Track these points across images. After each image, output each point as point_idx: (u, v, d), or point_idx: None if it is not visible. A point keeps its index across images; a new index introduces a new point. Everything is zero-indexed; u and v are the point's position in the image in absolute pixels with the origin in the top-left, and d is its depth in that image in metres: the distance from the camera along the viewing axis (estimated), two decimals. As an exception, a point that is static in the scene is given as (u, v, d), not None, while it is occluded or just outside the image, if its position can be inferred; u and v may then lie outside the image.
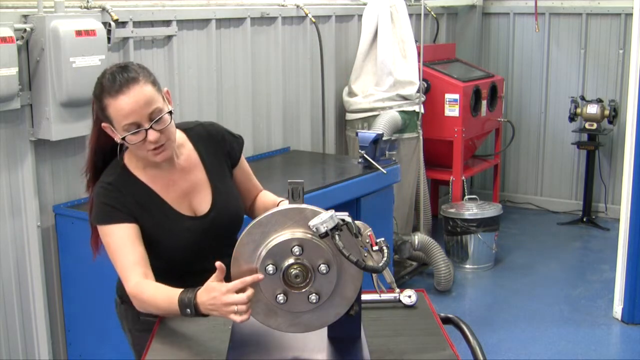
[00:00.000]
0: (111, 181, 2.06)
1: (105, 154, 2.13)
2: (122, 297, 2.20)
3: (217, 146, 2.22)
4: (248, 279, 1.73)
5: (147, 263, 2.00)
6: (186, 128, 2.22)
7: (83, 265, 3.27)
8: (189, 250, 2.10)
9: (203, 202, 2.15)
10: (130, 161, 2.11)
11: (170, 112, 2.02)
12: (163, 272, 2.01)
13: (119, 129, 1.98)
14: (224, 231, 2.17)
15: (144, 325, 2.14)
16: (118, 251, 2.00)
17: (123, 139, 1.98)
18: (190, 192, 2.14)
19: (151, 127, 1.97)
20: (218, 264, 1.79)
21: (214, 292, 1.77)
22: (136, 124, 1.96)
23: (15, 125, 3.20)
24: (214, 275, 1.80)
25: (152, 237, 2.06)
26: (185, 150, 2.18)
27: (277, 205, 2.17)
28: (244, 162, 2.32)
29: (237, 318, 1.73)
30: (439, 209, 5.88)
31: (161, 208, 2.09)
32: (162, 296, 1.90)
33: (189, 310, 1.82)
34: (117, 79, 1.97)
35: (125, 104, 1.95)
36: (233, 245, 1.87)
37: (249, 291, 1.73)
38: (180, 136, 2.17)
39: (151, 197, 2.08)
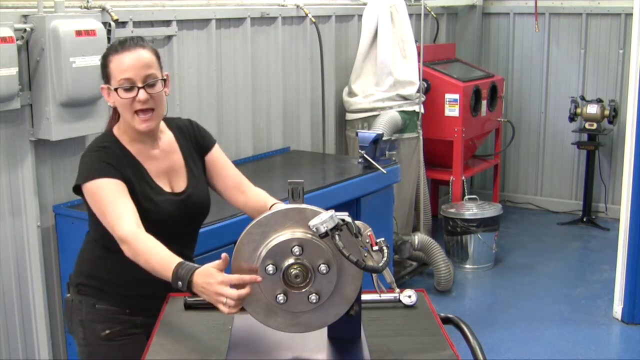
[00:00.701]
0: (106, 145, 2.20)
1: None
2: (79, 285, 2.29)
3: (190, 135, 2.37)
4: (246, 277, 1.74)
5: (139, 218, 2.06)
6: (166, 119, 2.37)
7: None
8: (166, 223, 2.19)
9: (180, 182, 2.29)
10: (119, 133, 2.24)
11: (164, 81, 2.19)
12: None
13: (114, 83, 2.13)
14: (196, 213, 2.32)
15: (99, 314, 2.25)
16: (112, 201, 2.07)
17: (116, 90, 2.12)
18: (170, 171, 2.28)
19: (143, 87, 2.12)
20: (224, 255, 1.82)
21: (210, 278, 1.79)
22: (130, 81, 2.12)
23: (15, 125, 3.20)
24: (216, 263, 1.81)
25: (135, 204, 2.12)
26: (166, 136, 2.33)
27: (270, 207, 2.24)
28: (219, 151, 2.42)
29: (225, 309, 1.77)
30: (439, 209, 5.88)
31: (146, 179, 2.21)
32: (158, 256, 1.95)
33: (180, 283, 1.84)
34: (126, 41, 2.17)
35: (125, 59, 2.13)
36: (193, 237, 2.22)
37: (244, 290, 1.74)
38: (161, 124, 2.32)
39: (138, 168, 2.20)
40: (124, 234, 2.01)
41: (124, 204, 2.07)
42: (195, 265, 1.87)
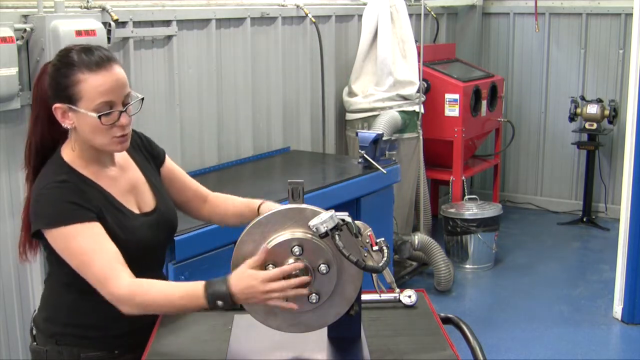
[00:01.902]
0: (65, 179, 1.88)
1: (45, 147, 1.98)
2: (56, 336, 2.00)
3: (140, 146, 2.14)
4: (287, 268, 1.71)
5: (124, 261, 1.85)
6: None
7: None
8: (143, 247, 1.98)
9: (147, 200, 2.06)
10: (71, 158, 1.95)
11: (142, 99, 1.94)
12: None
13: (88, 107, 1.84)
14: (168, 229, 2.10)
15: None
16: (95, 251, 1.81)
17: (99, 117, 1.84)
18: (132, 189, 2.04)
19: (124, 111, 1.88)
20: (263, 247, 1.74)
21: (251, 280, 1.71)
22: (110, 104, 1.85)
23: (15, 125, 3.20)
24: (250, 261, 1.73)
25: (111, 236, 1.88)
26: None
27: (258, 207, 2.10)
28: (171, 161, 2.22)
29: (285, 305, 1.72)
30: (439, 209, 5.88)
31: (115, 205, 1.95)
32: (177, 292, 1.79)
33: (220, 302, 1.72)
34: (95, 54, 1.86)
35: (106, 81, 1.84)
36: (166, 250, 1.99)
37: (294, 280, 1.71)
38: None
39: (104, 195, 1.94)
40: (124, 291, 1.79)
41: (110, 252, 1.82)
42: (219, 278, 1.75)
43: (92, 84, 1.84)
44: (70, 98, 1.85)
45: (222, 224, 2.30)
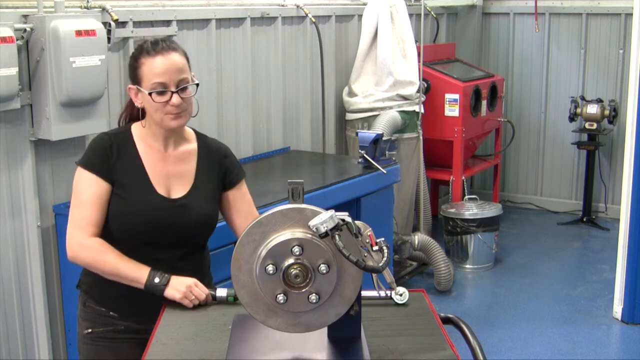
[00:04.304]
0: (110, 132, 2.27)
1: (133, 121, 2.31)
2: (80, 281, 2.34)
3: (217, 161, 2.33)
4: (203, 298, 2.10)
5: (100, 228, 2.17)
6: (201, 134, 2.38)
7: (83, 265, 3.26)
8: (148, 225, 2.18)
9: (180, 189, 2.25)
10: (137, 132, 2.25)
11: (196, 85, 2.19)
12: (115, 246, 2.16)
13: (147, 86, 2.13)
14: (188, 225, 2.24)
15: (87, 312, 2.29)
16: (86, 202, 2.15)
17: (150, 94, 2.12)
18: (173, 177, 2.25)
19: (177, 92, 2.12)
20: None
21: (187, 281, 2.10)
22: (163, 85, 2.12)
23: (15, 125, 3.20)
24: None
25: (120, 201, 2.17)
26: (189, 145, 2.30)
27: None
28: (244, 189, 2.38)
29: (189, 303, 2.08)
30: (439, 209, 5.88)
31: (140, 176, 2.20)
32: (123, 271, 2.11)
33: (158, 279, 2.09)
34: (159, 43, 2.16)
35: (160, 64, 2.12)
36: (190, 252, 2.23)
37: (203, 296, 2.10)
38: (191, 134, 2.34)
39: (135, 163, 2.21)
40: (86, 244, 2.14)
41: (94, 213, 2.15)
42: (162, 277, 2.11)
43: (149, 67, 2.13)
44: (136, 79, 2.17)
45: None
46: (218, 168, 2.31)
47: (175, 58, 2.15)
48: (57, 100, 3.17)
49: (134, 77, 2.18)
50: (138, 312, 2.22)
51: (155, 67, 2.12)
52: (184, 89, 2.15)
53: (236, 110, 4.48)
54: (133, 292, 2.14)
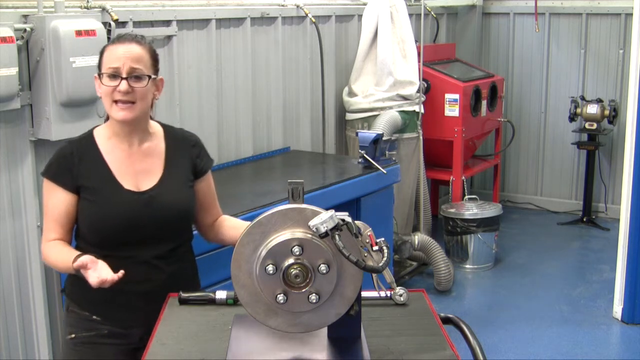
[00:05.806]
0: (72, 139, 2.28)
1: None
2: (65, 286, 2.36)
3: (187, 150, 2.33)
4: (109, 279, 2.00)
5: (67, 235, 2.22)
6: (168, 126, 2.38)
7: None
8: (121, 222, 2.17)
9: (149, 183, 2.25)
10: (100, 129, 2.28)
11: (149, 78, 2.17)
12: (92, 250, 2.13)
13: (103, 71, 2.16)
14: (161, 215, 2.22)
15: (70, 317, 2.29)
16: (51, 209, 2.21)
17: (100, 77, 2.15)
18: (141, 173, 2.25)
19: (126, 79, 2.12)
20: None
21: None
22: (115, 70, 2.13)
23: (15, 125, 3.20)
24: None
25: (89, 204, 2.18)
26: (155, 139, 2.30)
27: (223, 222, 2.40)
28: (210, 179, 2.41)
29: (95, 280, 1.98)
30: (439, 209, 5.88)
31: (105, 176, 2.21)
32: (61, 262, 2.14)
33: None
34: (126, 35, 2.22)
35: (118, 50, 2.15)
36: (172, 249, 2.21)
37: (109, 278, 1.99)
38: (157, 128, 2.33)
39: (98, 166, 2.21)
40: (43, 247, 2.21)
41: (55, 216, 2.20)
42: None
43: (108, 53, 2.17)
44: (99, 67, 2.20)
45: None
46: (188, 156, 2.32)
47: (135, 48, 2.16)
48: (57, 100, 3.17)
49: (99, 65, 2.20)
50: (122, 317, 2.22)
51: (113, 54, 2.15)
52: (137, 78, 2.14)
53: (236, 110, 4.48)
54: (116, 297, 2.15)
